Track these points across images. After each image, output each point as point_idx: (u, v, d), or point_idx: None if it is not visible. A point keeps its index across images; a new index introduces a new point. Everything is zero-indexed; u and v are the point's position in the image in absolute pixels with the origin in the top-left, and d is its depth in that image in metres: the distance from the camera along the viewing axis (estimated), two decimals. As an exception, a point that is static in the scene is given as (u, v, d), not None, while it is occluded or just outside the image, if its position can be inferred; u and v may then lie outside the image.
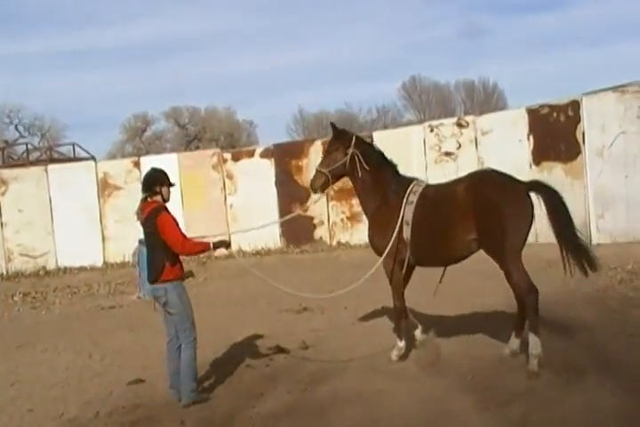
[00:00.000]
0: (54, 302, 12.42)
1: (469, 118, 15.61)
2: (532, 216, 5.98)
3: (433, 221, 6.17)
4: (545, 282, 9.54)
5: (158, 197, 5.91)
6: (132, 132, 52.58)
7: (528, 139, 13.83)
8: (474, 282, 10.22)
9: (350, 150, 6.56)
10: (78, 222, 16.71)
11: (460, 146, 15.31)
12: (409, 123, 37.76)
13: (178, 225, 5.79)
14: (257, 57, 79.87)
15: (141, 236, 6.24)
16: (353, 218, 16.34)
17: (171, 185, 5.98)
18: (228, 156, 17.45)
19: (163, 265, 5.73)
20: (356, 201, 16.21)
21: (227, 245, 6.25)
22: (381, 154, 6.80)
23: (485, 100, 56.10)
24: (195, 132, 53.24)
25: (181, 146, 48.26)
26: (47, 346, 8.49)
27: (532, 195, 6.00)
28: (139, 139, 52.72)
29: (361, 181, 6.65)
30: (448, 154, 15.53)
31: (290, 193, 16.51)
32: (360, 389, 5.63)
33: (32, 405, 6.07)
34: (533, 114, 13.77)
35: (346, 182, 16.47)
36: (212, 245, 5.99)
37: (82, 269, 16.73)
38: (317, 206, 16.50)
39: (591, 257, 5.88)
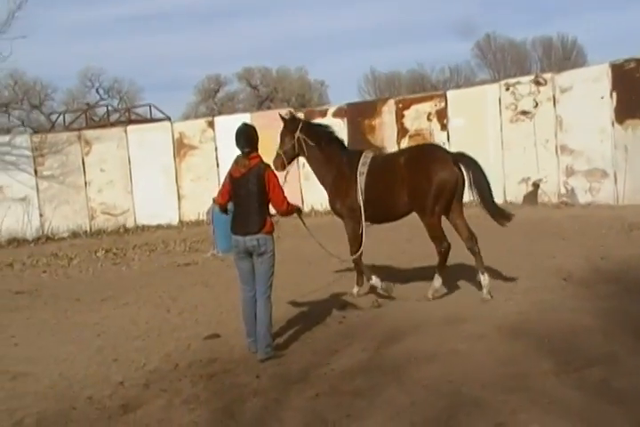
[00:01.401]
0: (133, 259, 12.83)
1: (547, 76, 15.07)
2: (457, 183, 7.28)
3: (380, 187, 7.44)
4: (626, 245, 9.29)
5: (257, 153, 6.02)
6: (205, 93, 53.14)
7: (611, 96, 13.28)
8: (550, 242, 10.02)
9: (296, 135, 7.70)
10: (155, 182, 17.14)
11: (537, 104, 14.84)
12: (483, 82, 36.66)
13: None
14: (329, 16, 78.92)
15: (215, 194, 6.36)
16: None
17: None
18: (300, 115, 17.40)
19: (265, 217, 5.93)
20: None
21: (300, 212, 6.60)
22: (329, 134, 7.96)
23: (564, 57, 53.81)
24: (266, 93, 53.32)
25: (253, 106, 48.45)
26: (128, 300, 8.82)
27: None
28: (212, 100, 53.23)
29: (313, 158, 7.86)
30: (524, 113, 15.09)
31: (362, 153, 16.41)
32: (435, 348, 5.62)
33: (117, 355, 6.33)
34: (617, 69, 13.18)
35: (420, 142, 16.28)
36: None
37: (159, 227, 17.25)
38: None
39: (506, 214, 7.42)
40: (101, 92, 49.94)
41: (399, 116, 16.64)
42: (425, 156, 7.52)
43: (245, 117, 17.28)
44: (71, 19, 73.06)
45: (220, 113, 41.34)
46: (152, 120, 29.98)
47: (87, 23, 73.08)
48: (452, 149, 15.82)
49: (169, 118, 30.22)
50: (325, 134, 7.92)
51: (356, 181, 7.52)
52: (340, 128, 16.73)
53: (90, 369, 6.00)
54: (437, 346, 5.70)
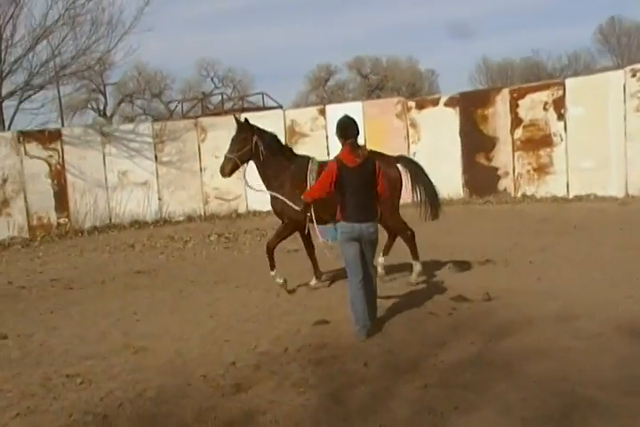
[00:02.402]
0: (245, 243, 13.17)
1: (680, 61, 14.16)
2: (401, 182, 7.97)
3: None
4: None
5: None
6: (315, 82, 53.68)
7: None
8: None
9: (254, 138, 7.92)
10: (267, 168, 17.46)
11: (666, 91, 14.01)
12: (604, 69, 34.92)
13: None
14: (439, 5, 77.51)
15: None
16: (540, 170, 15.64)
17: None
18: (412, 104, 17.26)
19: (376, 205, 6.24)
20: (544, 151, 15.53)
21: None
22: (279, 140, 8.25)
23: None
24: (376, 82, 53.21)
25: (363, 96, 48.48)
26: (240, 283, 9.06)
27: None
28: (322, 88, 53.70)
29: (264, 163, 8.01)
30: (652, 101, 14.28)
31: (474, 143, 16.12)
32: (547, 345, 5.46)
33: (229, 336, 6.54)
34: None
35: (535, 132, 15.78)
36: None
37: (269, 213, 17.52)
38: (503, 156, 15.99)
39: (438, 210, 8.23)
40: (216, 81, 51.65)
41: (513, 106, 16.15)
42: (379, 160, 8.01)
43: (357, 106, 17.33)
44: (189, 11, 75.47)
45: (329, 102, 41.63)
46: (264, 108, 30.58)
47: (204, 15, 75.49)
48: (570, 139, 15.35)
49: (280, 106, 30.73)
50: (277, 140, 8.22)
51: (308, 184, 7.79)
52: (452, 118, 16.51)
53: (203, 348, 6.23)
54: (550, 343, 5.54)
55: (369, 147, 6.70)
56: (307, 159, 8.14)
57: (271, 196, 8.14)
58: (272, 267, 8.27)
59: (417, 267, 8.17)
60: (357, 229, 6.07)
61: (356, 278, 6.16)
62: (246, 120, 8.14)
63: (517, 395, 4.55)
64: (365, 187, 6.09)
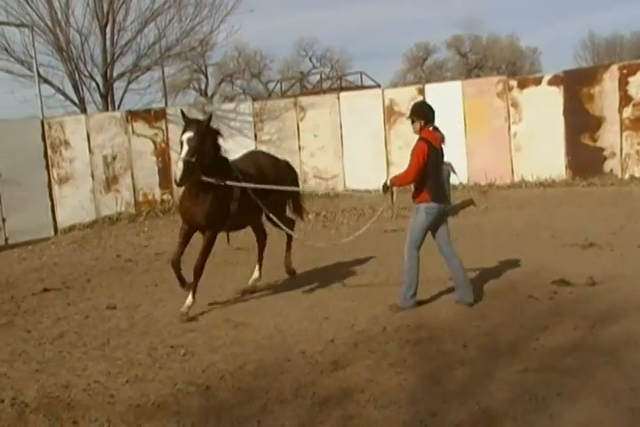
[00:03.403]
0: (342, 222, 13.24)
1: None
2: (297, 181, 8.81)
3: (256, 192, 7.31)
4: None
5: None
6: (413, 61, 52.91)
7: None
8: None
9: (207, 135, 6.84)
10: (365, 148, 17.36)
11: None
12: None
13: None
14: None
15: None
16: (651, 150, 14.86)
17: None
18: (513, 83, 16.71)
19: None
20: (657, 132, 14.72)
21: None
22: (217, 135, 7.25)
23: None
24: (476, 61, 51.86)
25: (461, 75, 47.35)
26: (337, 261, 9.17)
27: None
28: (420, 68, 52.86)
29: (208, 160, 6.83)
30: None
31: (579, 123, 15.43)
32: (658, 334, 5.25)
33: (327, 314, 6.62)
34: None
35: (646, 111, 14.86)
36: None
37: (367, 192, 17.51)
38: (609, 136, 15.28)
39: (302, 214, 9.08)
40: (314, 60, 51.80)
41: (622, 84, 15.33)
42: (278, 160, 8.39)
43: (456, 85, 16.97)
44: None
45: (427, 81, 40.99)
46: (362, 87, 30.43)
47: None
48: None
49: (379, 85, 30.50)
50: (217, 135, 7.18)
51: (244, 187, 7.18)
52: (556, 97, 15.88)
53: (302, 325, 6.34)
54: (661, 331, 5.31)
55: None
56: (226, 158, 7.36)
57: (193, 201, 7.13)
58: (182, 284, 7.20)
59: (256, 273, 8.26)
60: (441, 209, 6.42)
61: (417, 251, 6.48)
62: (210, 116, 7.13)
63: (624, 384, 4.39)
64: (441, 168, 6.52)
